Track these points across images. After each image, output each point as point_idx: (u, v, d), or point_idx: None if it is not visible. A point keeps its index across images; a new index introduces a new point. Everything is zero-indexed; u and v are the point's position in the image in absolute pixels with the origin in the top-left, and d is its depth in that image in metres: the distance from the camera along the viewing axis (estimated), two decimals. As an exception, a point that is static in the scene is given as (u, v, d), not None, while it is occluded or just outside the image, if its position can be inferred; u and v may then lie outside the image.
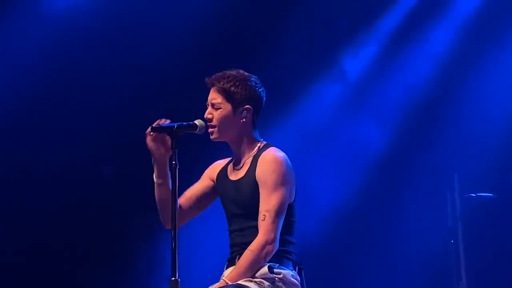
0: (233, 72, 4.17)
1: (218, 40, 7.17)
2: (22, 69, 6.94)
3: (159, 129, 3.95)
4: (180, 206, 4.15)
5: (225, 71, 4.19)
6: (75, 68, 7.06)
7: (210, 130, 4.13)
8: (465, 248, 6.92)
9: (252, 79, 4.18)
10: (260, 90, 4.18)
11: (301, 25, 7.37)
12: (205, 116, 4.14)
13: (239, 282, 3.92)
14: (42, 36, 6.95)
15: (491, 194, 6.65)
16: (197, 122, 4.03)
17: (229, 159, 4.31)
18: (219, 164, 4.32)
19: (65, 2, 6.99)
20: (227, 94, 4.11)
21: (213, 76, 4.17)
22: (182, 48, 7.08)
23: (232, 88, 4.11)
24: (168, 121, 3.98)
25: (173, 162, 3.84)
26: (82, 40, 7.04)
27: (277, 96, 6.85)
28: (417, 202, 7.17)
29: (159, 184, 4.11)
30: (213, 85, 4.16)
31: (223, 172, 4.26)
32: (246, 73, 4.20)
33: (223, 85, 4.12)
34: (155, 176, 4.13)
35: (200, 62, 6.80)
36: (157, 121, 4.00)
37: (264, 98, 4.21)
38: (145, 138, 4.08)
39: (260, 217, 3.98)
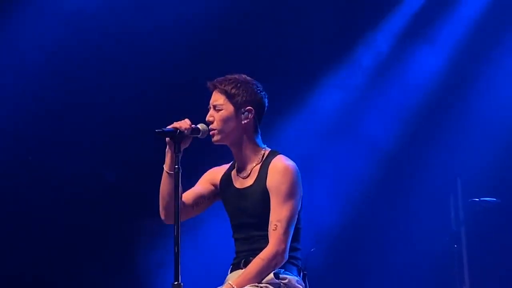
0: (235, 76, 4.18)
1: (224, 43, 7.17)
2: (26, 73, 6.94)
3: (162, 133, 3.94)
4: (182, 203, 4.15)
5: (227, 75, 4.19)
6: (78, 74, 7.07)
7: (211, 132, 4.11)
8: (468, 253, 6.91)
9: (254, 83, 4.19)
10: (262, 94, 4.18)
11: (308, 28, 7.38)
12: (206, 118, 4.13)
13: (245, 287, 3.91)
14: (46, 44, 6.95)
15: (494, 199, 6.63)
16: (200, 126, 4.06)
17: (227, 166, 4.29)
18: (218, 170, 4.30)
19: (68, 7, 7.00)
20: (228, 96, 4.12)
21: (215, 80, 4.18)
22: (187, 53, 7.08)
23: (234, 90, 4.12)
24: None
25: (176, 166, 3.84)
26: (84, 47, 7.04)
27: (281, 97, 6.87)
28: (421, 206, 7.17)
29: (168, 175, 4.06)
30: (215, 87, 4.16)
31: (226, 179, 4.24)
32: (249, 77, 4.21)
33: (224, 86, 4.13)
34: (166, 166, 4.08)
35: (204, 66, 6.80)
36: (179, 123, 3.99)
37: (267, 103, 4.21)
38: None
39: (272, 227, 3.98)
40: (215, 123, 4.11)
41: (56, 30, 6.93)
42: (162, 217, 4.20)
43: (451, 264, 6.89)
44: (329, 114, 7.41)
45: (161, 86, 7.06)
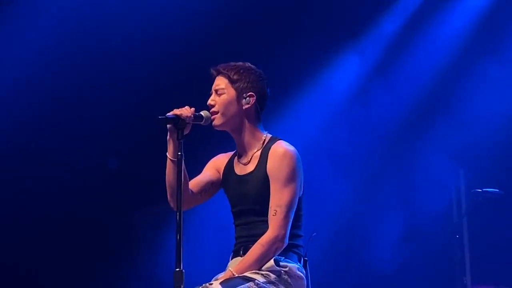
0: (239, 63, 4.21)
1: (224, 35, 7.17)
2: (28, 62, 6.94)
3: (165, 120, 3.93)
4: (190, 190, 4.16)
5: (231, 62, 4.21)
6: (80, 62, 7.07)
7: (212, 116, 4.11)
8: (470, 243, 6.93)
9: (257, 70, 4.21)
10: (264, 82, 4.20)
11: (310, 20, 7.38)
12: (208, 102, 4.15)
13: (246, 274, 3.92)
14: (48, 34, 6.96)
15: (497, 190, 6.63)
16: (203, 113, 4.06)
17: (231, 153, 4.30)
18: (223, 157, 4.31)
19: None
20: (231, 81, 4.14)
21: (218, 65, 4.21)
22: (189, 40, 7.08)
23: (236, 76, 4.14)
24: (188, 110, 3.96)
25: (179, 153, 3.84)
26: (86, 35, 7.04)
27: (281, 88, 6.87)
28: (423, 196, 7.18)
29: (173, 162, 4.03)
30: (218, 73, 4.18)
31: (229, 166, 4.24)
32: (252, 65, 4.23)
33: (227, 71, 4.15)
34: (170, 154, 4.04)
35: (207, 53, 6.80)
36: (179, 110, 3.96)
37: (268, 92, 4.22)
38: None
39: (271, 212, 3.99)
40: (216, 106, 4.13)
41: (58, 18, 6.93)
42: (171, 204, 4.13)
43: (453, 255, 6.90)
44: (334, 97, 7.43)
45: (163, 73, 7.06)
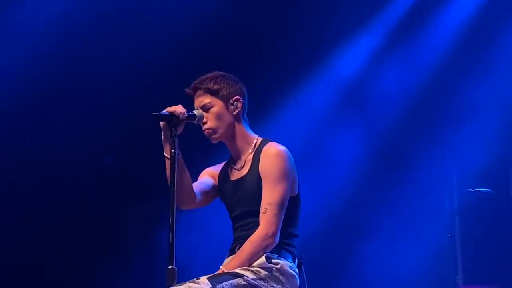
0: (209, 74, 4.20)
1: (221, 27, 7.17)
2: (23, 56, 6.95)
3: (158, 117, 3.94)
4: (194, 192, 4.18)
5: (200, 76, 4.20)
6: (76, 57, 7.08)
7: (207, 132, 4.13)
8: (462, 243, 6.94)
9: (229, 74, 4.21)
10: (240, 84, 4.22)
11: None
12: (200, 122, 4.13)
13: (236, 270, 3.93)
14: (45, 28, 6.96)
15: (489, 190, 6.66)
16: (196, 112, 4.08)
17: (221, 164, 4.32)
18: (214, 168, 4.32)
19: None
20: (213, 92, 4.13)
21: (192, 84, 4.19)
22: (186, 38, 7.08)
23: (216, 85, 4.13)
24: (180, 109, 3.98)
25: (172, 151, 3.86)
26: (83, 35, 7.05)
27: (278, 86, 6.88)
28: (415, 196, 7.19)
29: (169, 160, 3.99)
30: (196, 89, 4.17)
31: (222, 173, 4.27)
32: (221, 72, 4.22)
33: (206, 85, 4.14)
34: (166, 152, 4.02)
35: (202, 50, 6.81)
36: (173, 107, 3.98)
37: (246, 93, 4.23)
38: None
39: (262, 210, 4.01)
40: (209, 122, 4.13)
41: (55, 13, 6.92)
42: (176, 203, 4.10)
43: (445, 254, 6.92)
44: (326, 101, 7.44)
45: (158, 71, 7.07)
